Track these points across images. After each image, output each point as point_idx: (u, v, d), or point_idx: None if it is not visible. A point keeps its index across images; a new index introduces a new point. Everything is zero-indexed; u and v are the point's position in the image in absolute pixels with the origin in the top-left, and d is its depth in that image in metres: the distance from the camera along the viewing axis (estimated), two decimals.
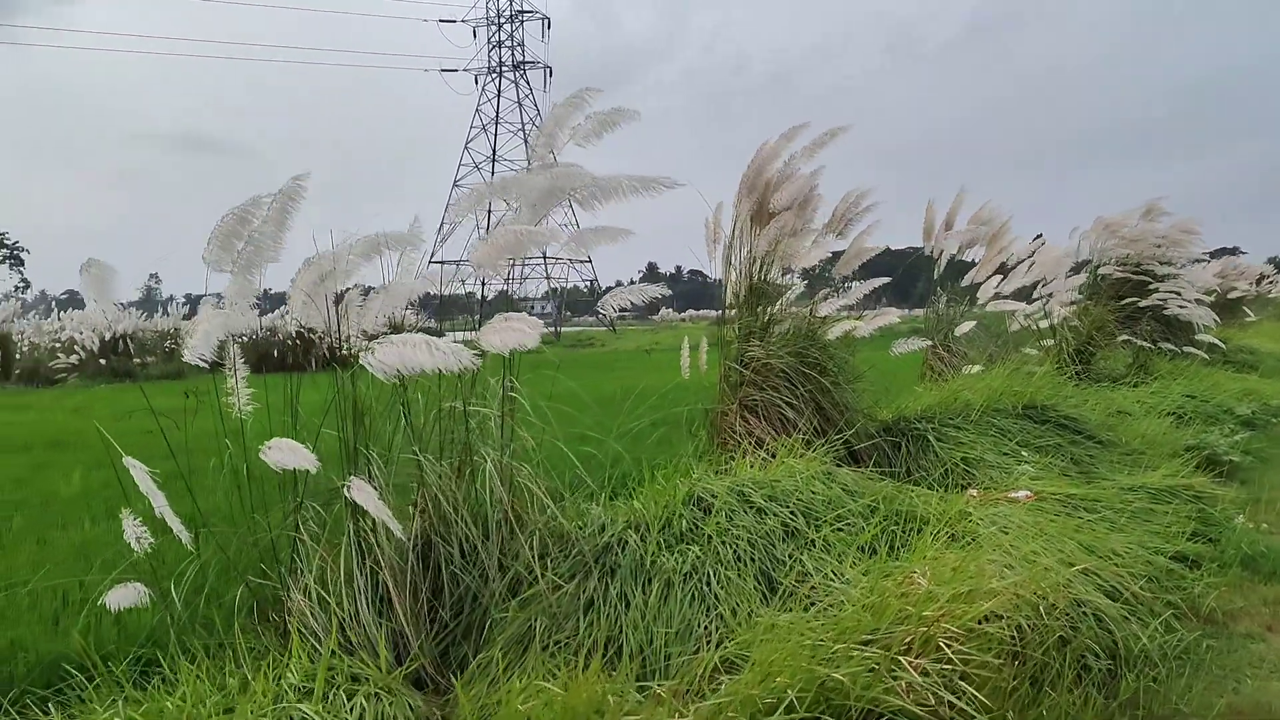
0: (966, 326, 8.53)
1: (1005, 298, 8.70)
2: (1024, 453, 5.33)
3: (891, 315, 5.54)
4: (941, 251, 9.16)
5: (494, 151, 65.99)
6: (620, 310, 3.61)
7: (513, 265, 3.58)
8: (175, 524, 2.96)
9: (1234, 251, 30.80)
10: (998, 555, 3.38)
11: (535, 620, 2.86)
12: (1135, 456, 5.42)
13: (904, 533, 3.86)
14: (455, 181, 65.24)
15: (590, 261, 69.16)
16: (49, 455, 7.31)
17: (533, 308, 74.59)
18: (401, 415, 3.23)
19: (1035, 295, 9.78)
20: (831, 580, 3.24)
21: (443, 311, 6.01)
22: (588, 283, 72.49)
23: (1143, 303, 10.44)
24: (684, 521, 3.66)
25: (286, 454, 2.60)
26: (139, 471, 2.99)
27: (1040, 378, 6.56)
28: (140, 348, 21.42)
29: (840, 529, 3.80)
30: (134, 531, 3.00)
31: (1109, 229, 11.64)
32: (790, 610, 3.07)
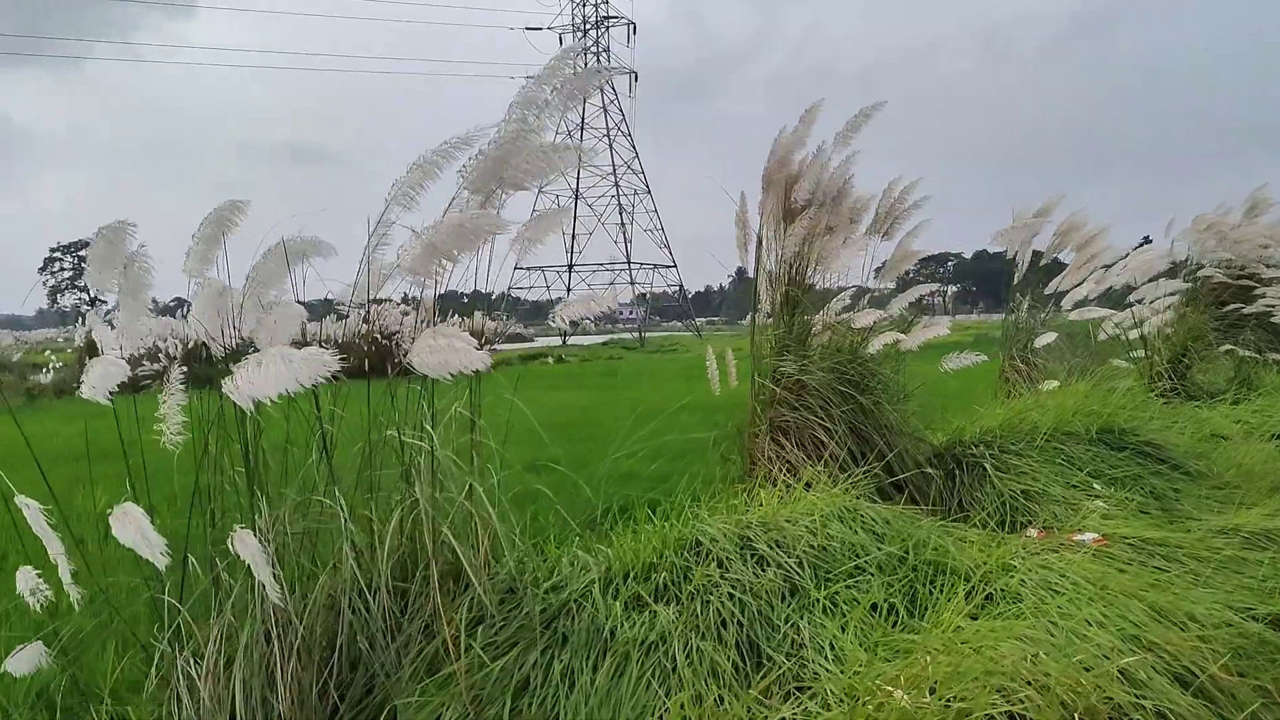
0: (1048, 337, 7.77)
1: (1090, 304, 7.91)
2: (1095, 485, 4.63)
3: (941, 326, 4.89)
4: (1024, 255, 8.45)
5: (579, 157, 65.90)
6: (574, 321, 3.09)
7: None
8: (65, 575, 2.54)
9: None
10: (1038, 626, 2.76)
11: (447, 708, 2.35)
12: (1229, 491, 4.66)
13: (934, 588, 3.25)
14: (540, 188, 65.34)
15: (675, 266, 68.78)
16: (73, 468, 7.10)
17: (621, 312, 74.65)
18: (319, 448, 2.75)
19: (1127, 302, 8.93)
20: (822, 653, 2.65)
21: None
22: (675, 288, 72.04)
23: (1247, 309, 9.48)
24: (665, 575, 3.12)
25: (130, 529, 2.14)
26: (32, 512, 2.59)
27: (1121, 395, 5.81)
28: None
29: (855, 584, 3.20)
30: (29, 583, 2.60)
31: (1210, 228, 10.67)
32: (771, 695, 2.51)
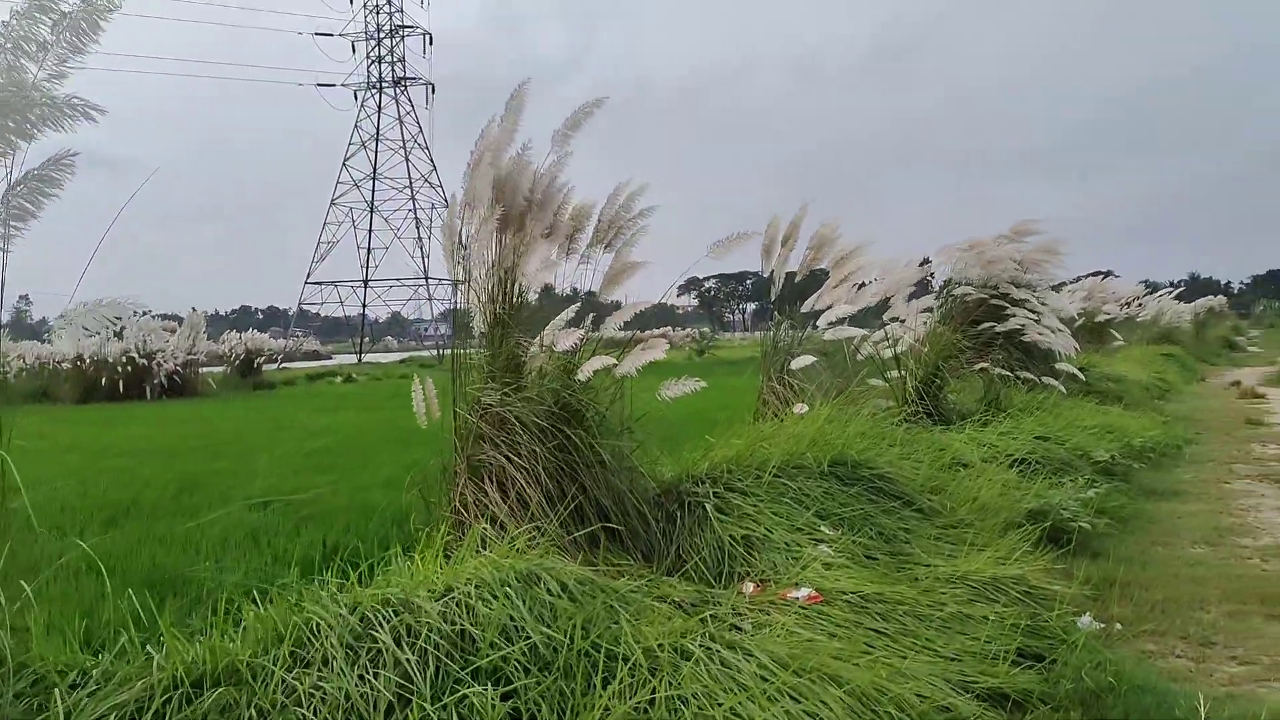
0: (805, 359, 7.41)
1: (841, 323, 7.60)
2: (823, 527, 4.14)
3: (658, 350, 4.30)
4: (779, 271, 8.10)
5: (374, 169, 63.78)
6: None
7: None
8: None
9: (1107, 274, 30.90)
10: None
11: None
12: (961, 531, 4.28)
13: (594, 683, 2.59)
14: (333, 200, 62.83)
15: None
16: None
17: (426, 329, 72.38)
18: None
19: (881, 320, 8.74)
20: None
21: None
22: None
23: (1000, 328, 9.52)
24: (227, 691, 2.32)
25: None
26: None
27: (862, 422, 5.42)
28: None
29: (497, 680, 2.50)
30: None
31: (972, 248, 10.76)
32: None
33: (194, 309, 22.85)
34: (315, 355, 58.33)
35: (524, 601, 2.99)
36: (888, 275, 8.38)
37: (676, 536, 4.28)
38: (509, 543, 3.77)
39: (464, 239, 4.60)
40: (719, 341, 45.49)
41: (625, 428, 4.61)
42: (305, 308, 65.75)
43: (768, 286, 8.29)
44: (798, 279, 8.24)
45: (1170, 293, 25.29)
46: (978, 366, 9.41)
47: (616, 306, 4.96)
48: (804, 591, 3.52)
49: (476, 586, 3.11)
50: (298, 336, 67.43)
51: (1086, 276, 24.02)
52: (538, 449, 4.24)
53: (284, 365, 41.73)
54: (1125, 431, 7.80)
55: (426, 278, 63.84)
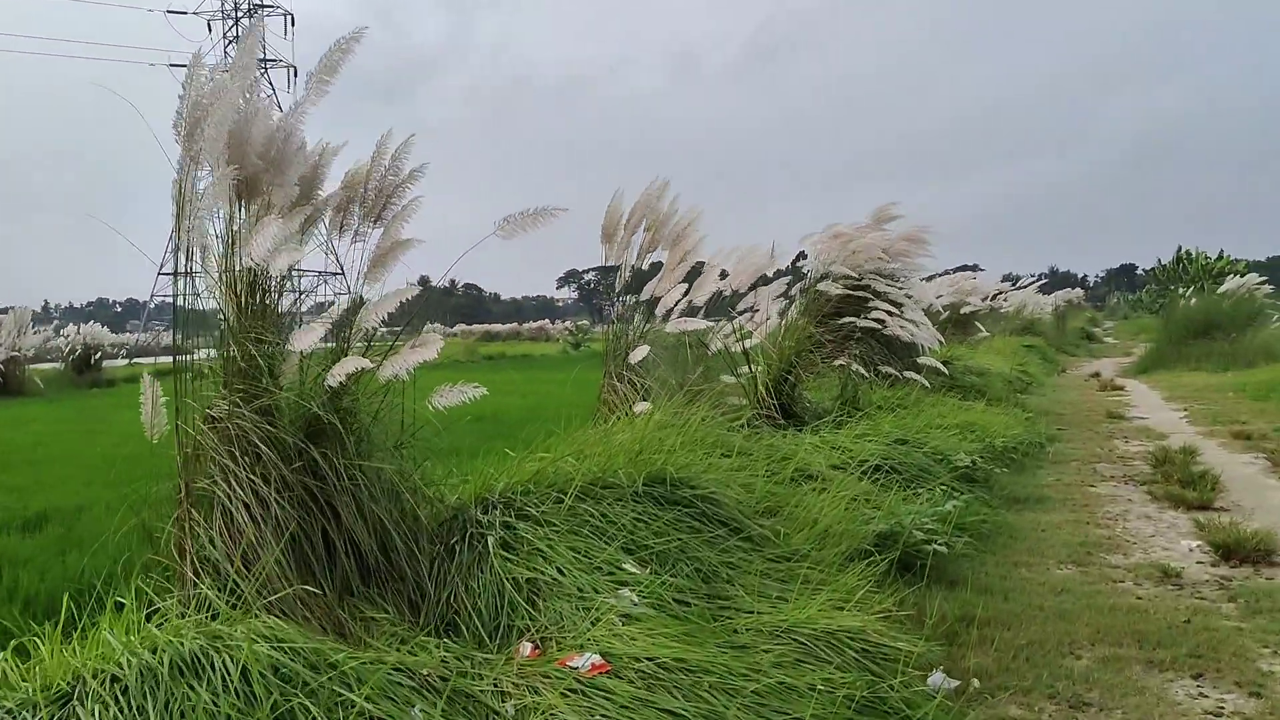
0: (640, 351, 6.68)
1: (687, 314, 6.89)
2: (628, 564, 3.37)
3: (431, 349, 3.46)
4: (625, 259, 7.35)
5: None
6: None
7: None
8: None
9: (973, 269, 31.27)
10: None
11: None
12: (796, 565, 3.57)
13: None
14: None
15: (342, 273, 64.99)
16: None
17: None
18: None
19: (732, 311, 8.07)
20: None
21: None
22: (344, 296, 67.95)
23: (861, 320, 8.98)
24: None
25: None
26: None
27: (693, 429, 4.70)
28: None
29: None
30: None
31: (837, 237, 10.21)
32: None
33: (13, 308, 20.92)
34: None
35: (168, 707, 2.13)
36: (741, 264, 7.70)
37: (451, 579, 3.46)
38: (227, 595, 2.95)
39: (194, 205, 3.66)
40: (594, 335, 44.80)
41: (398, 444, 3.77)
42: (162, 300, 62.15)
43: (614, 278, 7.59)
44: (644, 265, 7.52)
45: (1031, 284, 25.61)
46: (837, 362, 8.86)
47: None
48: (587, 659, 2.74)
49: (112, 681, 2.24)
50: (157, 329, 63.72)
51: (955, 271, 24.20)
52: (273, 474, 3.37)
53: (135, 360, 39.27)
54: (988, 430, 7.31)
55: (291, 268, 61.12)
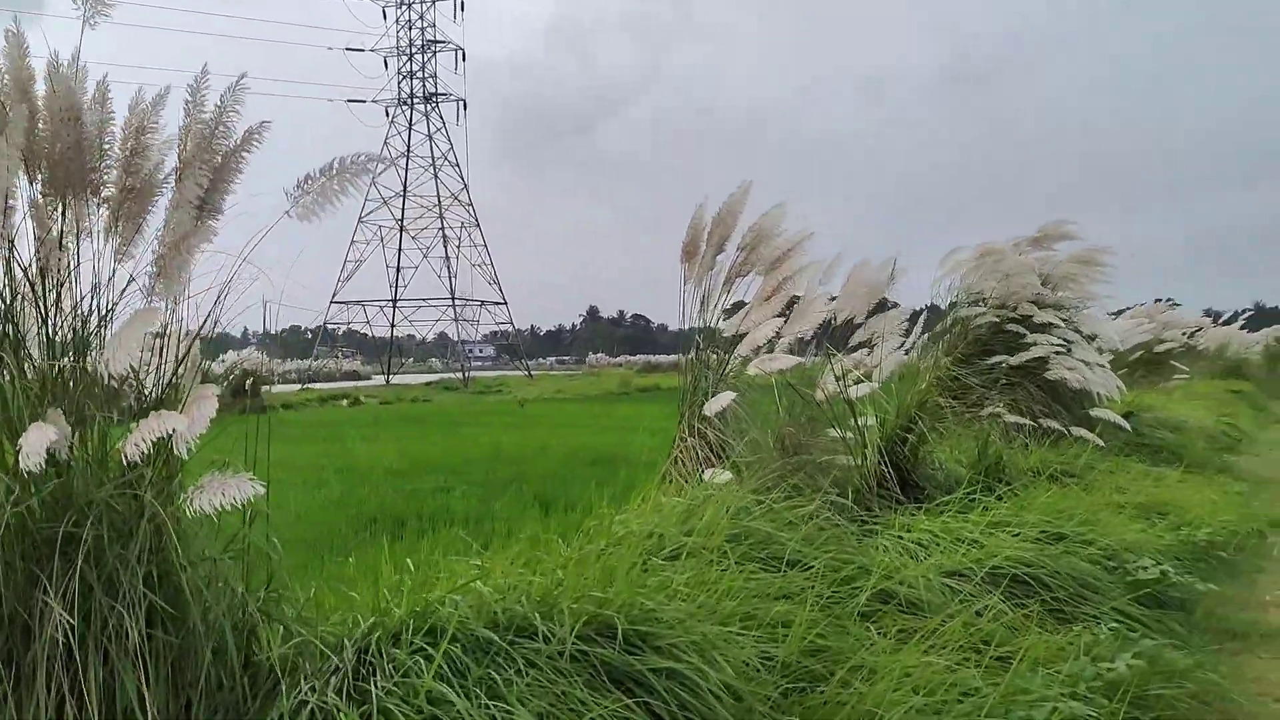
0: (722, 399, 5.21)
1: (771, 349, 5.35)
2: None
3: (205, 409, 2.09)
4: (707, 281, 5.94)
5: (405, 186, 62.43)
6: None
7: None
8: None
9: (1168, 303, 28.03)
10: None
11: None
12: None
13: None
14: (361, 217, 61.45)
15: (505, 303, 65.92)
16: None
17: (470, 350, 70.35)
18: None
19: (850, 346, 6.43)
20: None
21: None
22: (507, 326, 68.80)
23: (1013, 361, 7.16)
24: None
25: None
26: None
27: (723, 517, 3.16)
28: None
29: None
30: None
31: (986, 255, 8.40)
32: None
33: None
34: (354, 375, 56.93)
35: None
36: (851, 283, 6.07)
37: None
38: None
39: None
40: None
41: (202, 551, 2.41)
42: (330, 327, 64.31)
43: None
44: (731, 292, 6.03)
45: (1236, 320, 22.47)
46: (984, 412, 7.06)
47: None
48: None
49: None
50: (340, 356, 66.02)
51: (1146, 305, 21.38)
52: None
53: (307, 385, 40.32)
54: (1184, 512, 5.42)
55: (454, 298, 62.30)
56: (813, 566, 3.14)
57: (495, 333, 73.82)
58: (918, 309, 7.08)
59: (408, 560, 2.76)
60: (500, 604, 2.39)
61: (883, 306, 6.41)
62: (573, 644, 2.24)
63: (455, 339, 67.14)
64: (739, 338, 5.60)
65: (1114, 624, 3.44)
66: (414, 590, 2.57)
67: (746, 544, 3.22)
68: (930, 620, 2.93)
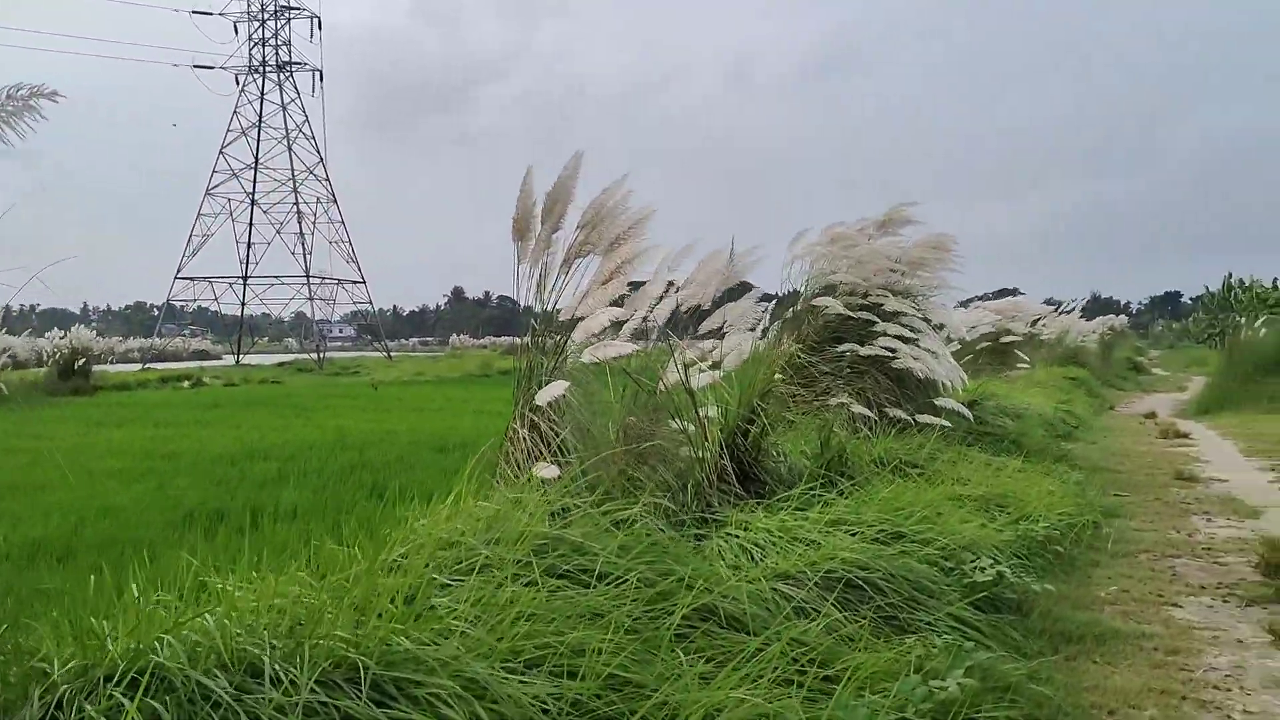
0: (552, 390, 4.84)
1: (605, 336, 5.02)
2: None
3: None
4: (537, 263, 5.55)
5: (256, 158, 59.60)
6: None
7: None
8: None
9: (1013, 292, 29.04)
10: None
11: None
12: None
13: None
14: (208, 190, 58.45)
15: (364, 283, 63.86)
16: None
17: (329, 330, 67.71)
18: None
19: (699, 333, 6.17)
20: None
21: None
22: (367, 305, 66.67)
23: (862, 351, 7.04)
24: None
25: None
26: None
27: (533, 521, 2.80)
28: None
29: None
30: None
31: (835, 241, 8.28)
32: None
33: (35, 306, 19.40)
34: (204, 355, 54.11)
35: None
36: (699, 272, 5.79)
37: None
38: None
39: None
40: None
41: None
42: (177, 304, 61.08)
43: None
44: (567, 274, 5.66)
45: (1073, 309, 23.40)
46: (833, 401, 6.93)
47: None
48: None
49: None
50: (188, 334, 62.70)
51: (994, 295, 22.02)
52: None
53: (148, 366, 38.10)
54: (1024, 504, 5.35)
55: (309, 275, 59.97)
56: (626, 580, 2.81)
57: (355, 313, 71.52)
58: (772, 294, 6.87)
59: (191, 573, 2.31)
60: (234, 641, 1.98)
61: (743, 291, 6.17)
62: (313, 693, 1.84)
63: (311, 318, 64.70)
64: (575, 322, 5.24)
65: (948, 632, 3.24)
66: (137, 626, 2.13)
67: (555, 555, 2.87)
68: (751, 641, 2.64)
